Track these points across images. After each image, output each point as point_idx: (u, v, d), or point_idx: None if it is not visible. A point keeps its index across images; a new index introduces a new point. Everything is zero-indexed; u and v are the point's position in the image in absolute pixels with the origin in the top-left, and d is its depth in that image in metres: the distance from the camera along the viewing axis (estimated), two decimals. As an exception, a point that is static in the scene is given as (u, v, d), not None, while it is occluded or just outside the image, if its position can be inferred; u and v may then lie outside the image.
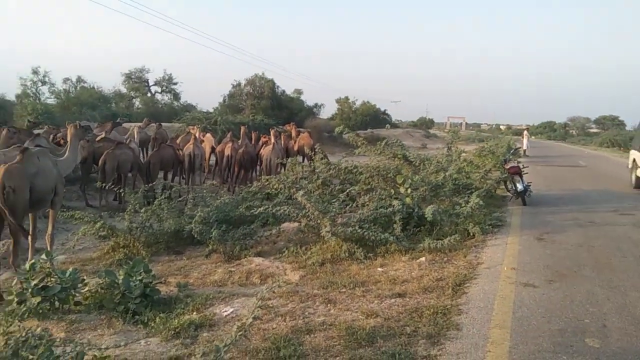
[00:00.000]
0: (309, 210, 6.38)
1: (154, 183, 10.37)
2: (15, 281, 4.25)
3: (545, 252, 6.43)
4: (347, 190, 7.68)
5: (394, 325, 4.09)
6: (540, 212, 9.38)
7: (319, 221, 6.43)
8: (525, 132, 30.13)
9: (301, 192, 6.38)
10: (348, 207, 7.04)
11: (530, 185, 10.23)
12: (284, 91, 49.47)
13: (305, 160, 14.06)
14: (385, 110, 62.77)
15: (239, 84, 48.22)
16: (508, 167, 10.46)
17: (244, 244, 6.98)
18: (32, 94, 38.83)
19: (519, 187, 9.97)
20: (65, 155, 7.45)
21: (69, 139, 7.92)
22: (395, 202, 6.87)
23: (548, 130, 79.64)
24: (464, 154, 13.14)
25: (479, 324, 4.11)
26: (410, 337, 3.89)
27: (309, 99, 56.11)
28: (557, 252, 6.42)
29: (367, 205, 6.99)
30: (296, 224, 7.50)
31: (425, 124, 76.93)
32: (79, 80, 40.42)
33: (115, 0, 60.79)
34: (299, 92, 52.71)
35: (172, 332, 4.02)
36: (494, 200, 10.51)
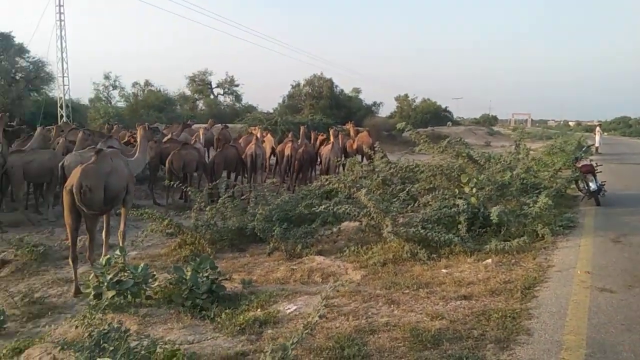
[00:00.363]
0: (370, 210, 6.33)
1: (218, 182, 10.67)
2: (92, 275, 4.49)
3: (623, 256, 6.03)
4: (408, 189, 7.54)
5: (460, 328, 3.97)
6: (615, 213, 8.82)
7: (380, 221, 6.36)
8: (598, 128, 28.47)
9: (364, 191, 6.34)
10: (410, 206, 6.93)
11: (604, 185, 9.64)
12: (342, 90, 49.45)
13: (364, 159, 13.99)
14: (446, 107, 61.44)
15: (298, 85, 48.71)
16: (580, 165, 9.91)
17: (305, 242, 7.03)
18: (104, 98, 41.12)
19: (592, 186, 9.42)
20: (136, 156, 7.80)
21: (138, 140, 8.28)
22: (459, 202, 6.67)
23: (623, 126, 74.74)
24: (531, 152, 12.59)
25: (552, 329, 3.92)
26: (478, 340, 3.75)
27: (367, 98, 55.84)
28: (635, 256, 6.01)
29: (430, 204, 6.85)
30: (356, 223, 7.47)
31: (488, 121, 74.56)
32: (147, 83, 42.37)
33: (180, 6, 63.00)
34: (357, 90, 52.54)
35: (238, 328, 4.10)
36: (565, 200, 9.98)
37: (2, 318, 4.95)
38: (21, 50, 33.26)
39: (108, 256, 4.71)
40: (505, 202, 7.90)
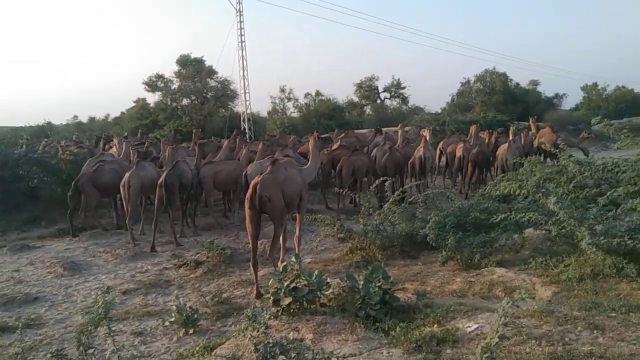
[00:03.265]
0: (561, 217, 5.53)
1: (382, 184, 10.55)
2: (270, 281, 4.68)
3: None
4: (608, 194, 6.42)
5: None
6: None
7: (573, 230, 5.51)
8: None
9: (553, 199, 5.56)
10: (610, 213, 5.88)
11: None
12: (517, 84, 46.19)
13: (549, 159, 12.57)
14: (646, 94, 53.11)
15: (468, 82, 46.91)
16: None
17: (484, 252, 6.46)
18: (279, 110, 44.47)
19: None
20: (308, 164, 8.07)
21: (310, 149, 8.59)
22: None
23: None
24: None
25: None
26: None
27: (547, 90, 51.16)
28: None
29: (638, 210, 5.73)
30: (542, 231, 6.65)
31: None
32: (317, 94, 44.65)
33: (343, 15, 64.95)
34: (535, 83, 48.55)
35: (414, 344, 3.84)
36: None
37: (195, 316, 5.44)
38: (211, 72, 37.77)
39: (285, 263, 4.85)
40: None
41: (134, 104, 42.68)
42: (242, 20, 29.92)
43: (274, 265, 6.43)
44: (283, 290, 4.44)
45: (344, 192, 10.26)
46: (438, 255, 6.88)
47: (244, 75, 30.61)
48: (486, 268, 6.03)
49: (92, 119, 49.80)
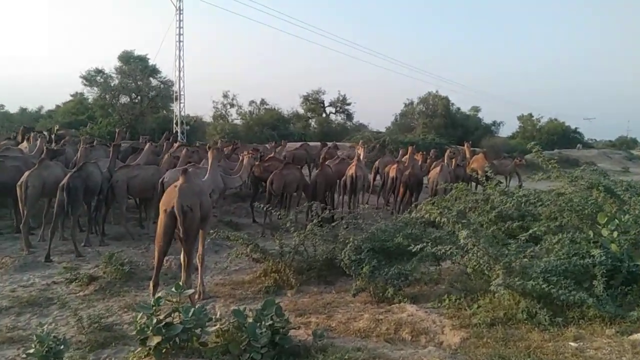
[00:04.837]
0: (477, 253, 5.17)
1: (311, 204, 10.12)
2: (140, 315, 3.97)
3: None
4: (532, 230, 6.14)
5: None
6: None
7: (489, 267, 5.17)
8: None
9: (465, 233, 5.18)
10: (529, 250, 5.58)
11: None
12: (459, 109, 47.61)
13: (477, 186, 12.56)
14: (576, 128, 56.28)
15: (412, 103, 47.72)
16: None
17: (398, 284, 6.02)
18: (221, 116, 43.36)
19: None
20: (205, 177, 7.62)
21: (210, 163, 8.16)
22: (596, 251, 5.22)
23: None
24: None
25: None
26: None
27: (486, 117, 53.01)
28: None
29: (556, 250, 5.47)
30: (460, 265, 6.32)
31: (626, 144, 66.53)
32: (262, 102, 43.97)
33: (295, 26, 64.79)
34: (476, 109, 50.27)
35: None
36: None
37: (61, 348, 4.62)
38: (154, 71, 36.31)
39: (159, 294, 4.17)
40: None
41: (71, 98, 40.36)
42: (181, 19, 28.82)
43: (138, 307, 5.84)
44: (151, 328, 3.76)
45: (269, 208, 9.61)
46: (354, 282, 6.41)
47: (179, 76, 29.48)
48: (397, 305, 5.58)
49: (23, 110, 46.67)
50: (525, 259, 5.30)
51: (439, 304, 5.48)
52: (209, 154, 8.08)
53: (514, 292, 4.95)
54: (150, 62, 35.52)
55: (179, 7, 28.65)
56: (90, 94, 36.96)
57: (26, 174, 9.15)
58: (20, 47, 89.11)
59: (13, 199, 10.41)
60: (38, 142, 12.51)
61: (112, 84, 35.66)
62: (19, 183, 9.01)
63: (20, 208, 9.18)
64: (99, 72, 35.89)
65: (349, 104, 49.60)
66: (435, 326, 4.86)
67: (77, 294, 6.82)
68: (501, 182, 12.75)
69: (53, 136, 17.63)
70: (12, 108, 45.52)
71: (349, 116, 50.26)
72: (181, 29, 28.91)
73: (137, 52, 35.85)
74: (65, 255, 8.85)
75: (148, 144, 12.42)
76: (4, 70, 76.91)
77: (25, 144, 13.61)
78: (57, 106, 41.68)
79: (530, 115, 53.56)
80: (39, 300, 6.53)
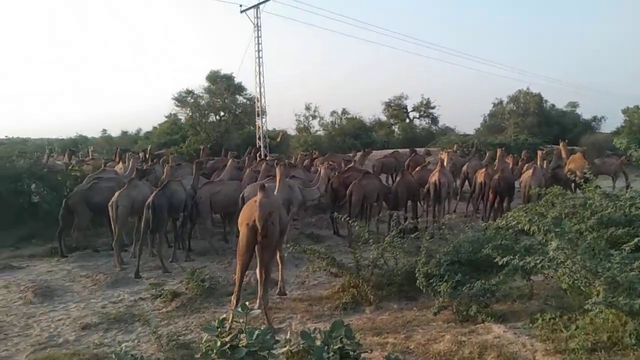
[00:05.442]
0: (570, 266, 4.56)
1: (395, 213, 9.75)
2: (205, 337, 3.88)
3: None
4: (637, 239, 5.31)
5: None
6: None
7: (587, 283, 4.54)
8: None
9: (555, 243, 4.57)
10: (638, 262, 4.83)
11: None
12: (553, 105, 44.49)
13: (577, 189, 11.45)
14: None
15: (501, 102, 45.47)
16: None
17: (483, 301, 5.50)
18: (304, 128, 43.93)
19: None
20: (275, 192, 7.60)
21: (277, 179, 8.11)
22: None
23: None
24: None
25: None
26: None
27: (586, 112, 49.11)
28: None
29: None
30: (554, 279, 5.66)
31: None
32: (344, 112, 43.91)
33: (373, 32, 63.99)
34: (573, 105, 46.68)
35: None
36: None
37: (138, 366, 4.71)
38: (240, 89, 37.72)
39: (224, 315, 4.06)
40: None
41: (165, 119, 43.07)
42: (259, 35, 29.52)
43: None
44: (215, 351, 3.64)
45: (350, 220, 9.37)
46: (435, 300, 5.99)
47: (260, 92, 30.17)
48: (482, 324, 5.08)
49: (124, 133, 50.43)
50: (633, 273, 4.58)
51: (531, 324, 4.91)
52: (277, 170, 8.05)
53: (619, 312, 4.29)
54: (236, 80, 36.92)
55: (257, 23, 29.42)
56: (182, 114, 39.08)
57: (117, 193, 9.69)
58: (116, 80, 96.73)
59: (107, 218, 11.15)
60: (130, 162, 13.28)
61: (201, 103, 37.48)
62: (110, 203, 9.57)
63: (113, 226, 9.72)
64: (189, 92, 37.88)
65: (433, 108, 48.23)
66: (526, 350, 4.33)
67: (160, 310, 7.01)
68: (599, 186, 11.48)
69: (148, 156, 18.73)
70: (114, 132, 49.23)
71: (434, 120, 48.85)
72: (260, 45, 29.67)
73: (222, 72, 37.47)
74: (154, 271, 9.22)
75: (230, 160, 12.75)
76: (109, 105, 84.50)
77: (120, 165, 14.52)
78: (154, 127, 44.43)
79: (637, 107, 48.72)
80: (125, 316, 6.78)
